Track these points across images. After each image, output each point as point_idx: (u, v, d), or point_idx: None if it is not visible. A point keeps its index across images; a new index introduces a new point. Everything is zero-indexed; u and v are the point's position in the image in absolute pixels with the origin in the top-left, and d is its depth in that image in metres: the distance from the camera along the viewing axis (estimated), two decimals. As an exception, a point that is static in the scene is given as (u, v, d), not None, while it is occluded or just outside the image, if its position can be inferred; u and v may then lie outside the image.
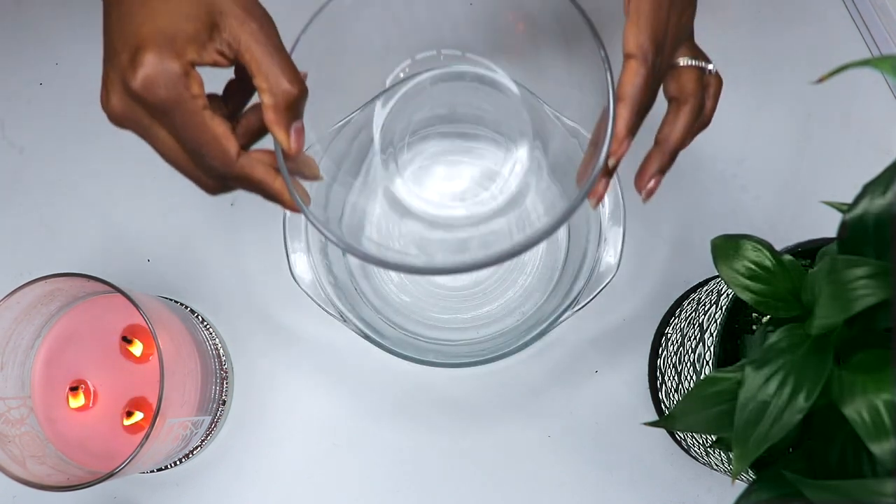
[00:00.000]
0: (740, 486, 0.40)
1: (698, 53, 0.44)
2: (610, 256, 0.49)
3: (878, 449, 0.29)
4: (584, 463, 0.57)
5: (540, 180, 0.51)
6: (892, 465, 0.29)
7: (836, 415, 0.32)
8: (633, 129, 0.39)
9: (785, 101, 0.62)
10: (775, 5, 0.64)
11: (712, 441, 0.45)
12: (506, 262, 0.38)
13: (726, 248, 0.39)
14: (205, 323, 0.59)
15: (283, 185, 0.38)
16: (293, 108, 0.38)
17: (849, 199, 0.34)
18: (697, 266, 0.59)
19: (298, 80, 0.37)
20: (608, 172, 0.40)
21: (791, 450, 0.41)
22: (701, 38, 0.43)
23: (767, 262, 0.38)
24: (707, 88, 0.45)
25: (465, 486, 0.57)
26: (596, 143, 0.41)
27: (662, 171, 0.44)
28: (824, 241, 0.44)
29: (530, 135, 0.47)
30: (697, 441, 0.50)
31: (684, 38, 0.43)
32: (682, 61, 0.43)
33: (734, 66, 0.62)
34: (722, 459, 0.48)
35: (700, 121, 0.45)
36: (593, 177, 0.39)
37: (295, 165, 0.39)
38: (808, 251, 0.44)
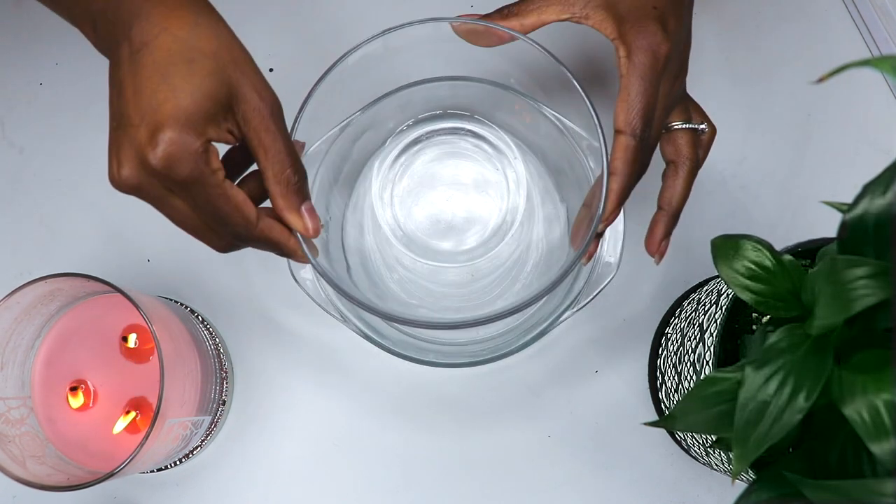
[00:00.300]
0: (740, 486, 0.40)
1: (691, 112, 0.46)
2: (610, 256, 0.49)
3: (878, 449, 0.29)
4: (584, 463, 0.57)
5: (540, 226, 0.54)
6: (892, 465, 0.29)
7: (836, 415, 0.32)
8: (623, 201, 0.42)
9: (785, 101, 0.62)
10: (775, 5, 0.63)
11: (712, 441, 0.45)
12: (512, 315, 0.43)
13: (726, 248, 0.39)
14: (205, 323, 0.59)
15: (297, 244, 0.41)
16: (300, 193, 0.40)
17: (849, 199, 0.34)
18: (697, 266, 0.59)
19: (299, 165, 0.39)
20: (599, 235, 0.43)
21: (791, 450, 0.41)
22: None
23: (767, 262, 0.38)
24: (700, 139, 0.46)
25: (465, 486, 0.57)
26: (588, 206, 0.44)
27: (669, 233, 0.46)
28: (824, 241, 0.44)
29: (527, 197, 0.48)
30: (697, 441, 0.50)
31: (676, 103, 0.44)
32: (676, 125, 0.45)
33: (734, 66, 0.62)
34: (722, 459, 0.48)
35: None
36: (587, 242, 0.42)
37: None
38: (808, 251, 0.44)
